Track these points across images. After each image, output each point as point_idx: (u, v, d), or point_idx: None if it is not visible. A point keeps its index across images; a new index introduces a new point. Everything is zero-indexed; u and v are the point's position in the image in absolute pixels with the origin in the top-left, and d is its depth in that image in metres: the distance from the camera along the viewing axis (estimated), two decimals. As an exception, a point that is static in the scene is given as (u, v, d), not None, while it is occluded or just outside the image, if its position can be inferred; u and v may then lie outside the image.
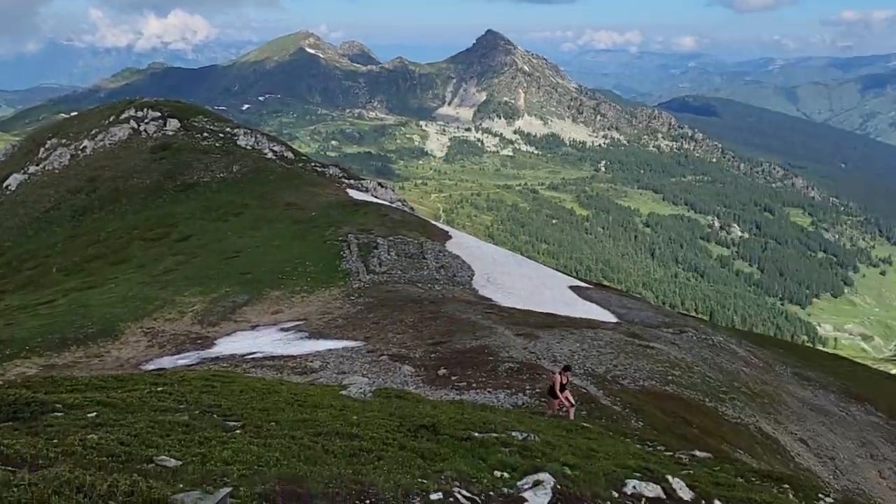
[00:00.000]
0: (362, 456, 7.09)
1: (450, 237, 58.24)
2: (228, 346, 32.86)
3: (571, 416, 18.49)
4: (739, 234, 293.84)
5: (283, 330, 35.09)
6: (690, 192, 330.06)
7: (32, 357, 31.90)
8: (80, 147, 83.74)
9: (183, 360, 30.44)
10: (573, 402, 19.55)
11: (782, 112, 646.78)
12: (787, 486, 12.42)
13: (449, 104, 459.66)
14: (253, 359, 28.37)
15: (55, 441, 6.46)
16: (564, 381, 18.85)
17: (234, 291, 42.23)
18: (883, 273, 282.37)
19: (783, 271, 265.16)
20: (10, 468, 5.66)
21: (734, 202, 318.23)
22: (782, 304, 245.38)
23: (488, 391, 22.27)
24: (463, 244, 56.73)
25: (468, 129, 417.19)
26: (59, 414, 8.09)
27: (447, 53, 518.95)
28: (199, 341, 34.24)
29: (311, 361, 26.85)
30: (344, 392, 13.40)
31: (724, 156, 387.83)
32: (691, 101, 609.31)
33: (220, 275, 46.14)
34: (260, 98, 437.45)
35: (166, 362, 30.12)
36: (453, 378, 24.02)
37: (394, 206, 73.91)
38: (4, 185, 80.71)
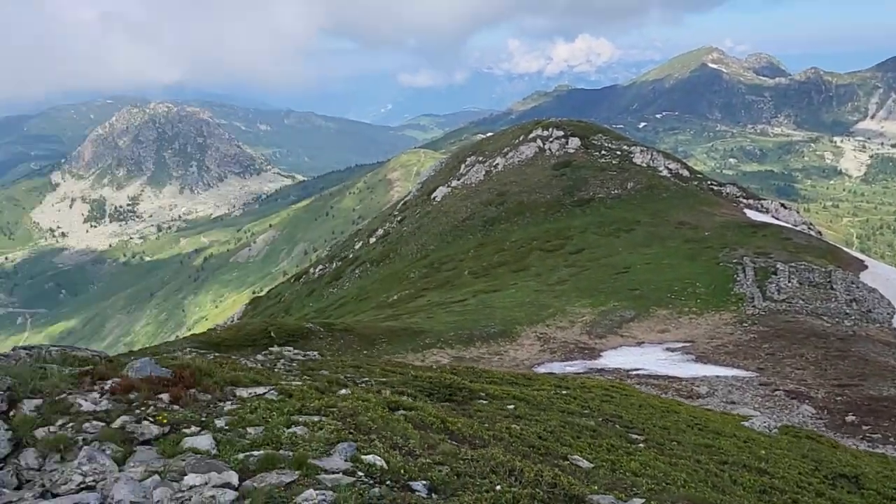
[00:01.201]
0: (774, 495, 6.74)
1: (865, 267, 51.52)
2: (613, 359, 33.54)
3: None
4: None
5: (668, 350, 34.66)
6: None
7: (445, 349, 36.46)
8: (493, 164, 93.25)
9: (571, 367, 31.92)
10: None
11: None
12: None
13: (872, 117, 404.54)
14: (637, 375, 28.55)
15: (486, 426, 7.43)
16: None
17: (622, 306, 42.95)
18: None
19: None
20: (455, 443, 6.68)
21: None
22: None
23: (912, 450, 19.15)
24: (882, 275, 49.64)
25: (895, 146, 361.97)
26: (484, 401, 9.24)
27: (873, 61, 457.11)
28: (586, 351, 35.58)
29: (698, 386, 26.07)
30: (746, 423, 12.80)
31: None
32: None
33: (610, 289, 47.34)
34: (657, 115, 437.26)
35: (556, 367, 31.89)
36: (864, 427, 21.18)
37: (797, 229, 67.88)
38: (432, 196, 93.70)
